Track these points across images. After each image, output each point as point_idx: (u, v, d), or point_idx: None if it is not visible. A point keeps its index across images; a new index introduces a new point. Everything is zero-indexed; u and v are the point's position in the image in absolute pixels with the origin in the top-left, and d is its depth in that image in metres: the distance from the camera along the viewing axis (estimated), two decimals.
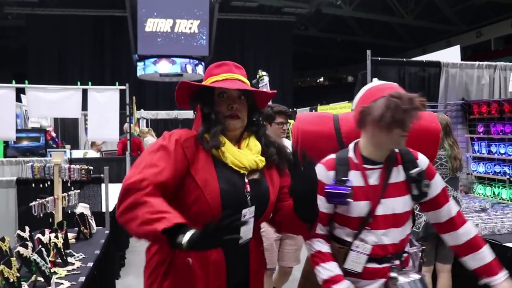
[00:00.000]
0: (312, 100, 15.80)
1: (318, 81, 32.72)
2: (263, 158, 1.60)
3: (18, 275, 2.06)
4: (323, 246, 1.74)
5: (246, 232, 1.49)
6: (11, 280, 1.99)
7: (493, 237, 2.99)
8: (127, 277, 4.88)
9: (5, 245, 2.32)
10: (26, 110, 8.30)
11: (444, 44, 18.03)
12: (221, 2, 17.11)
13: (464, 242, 1.76)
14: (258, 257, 1.64)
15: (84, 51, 19.98)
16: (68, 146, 10.28)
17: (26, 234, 2.72)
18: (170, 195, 1.42)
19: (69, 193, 3.28)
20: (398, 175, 1.75)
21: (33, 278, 2.24)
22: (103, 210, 3.99)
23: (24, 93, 7.58)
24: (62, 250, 2.61)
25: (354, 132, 1.82)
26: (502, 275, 1.71)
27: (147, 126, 13.37)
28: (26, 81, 6.29)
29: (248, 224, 1.49)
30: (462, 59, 6.58)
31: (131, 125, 7.79)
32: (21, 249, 2.24)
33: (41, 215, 3.04)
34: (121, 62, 19.98)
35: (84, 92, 6.32)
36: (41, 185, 3.56)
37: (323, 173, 1.73)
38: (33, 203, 2.99)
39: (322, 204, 1.70)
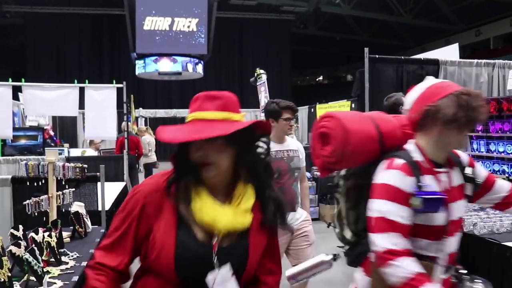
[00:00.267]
0: (311, 99, 15.78)
1: (317, 79, 32.73)
2: (247, 219, 1.30)
3: (9, 274, 2.03)
4: (416, 266, 1.47)
5: None
6: (2, 279, 1.96)
7: (492, 236, 2.96)
8: None
9: None
10: (24, 109, 8.27)
11: (443, 42, 18.04)
12: (219, 0, 17.08)
13: None
14: None
15: (82, 49, 19.99)
16: (66, 145, 10.26)
17: (19, 233, 2.69)
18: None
19: (64, 191, 3.25)
20: (458, 177, 1.66)
21: (25, 278, 2.21)
22: (99, 208, 3.96)
23: (21, 92, 7.56)
24: (55, 249, 2.57)
25: (392, 133, 1.71)
26: None
27: (145, 125, 13.36)
28: (23, 79, 6.26)
29: (226, 285, 1.28)
30: (461, 58, 6.56)
31: (129, 123, 7.76)
32: (14, 248, 2.20)
33: (35, 213, 3.01)
34: (120, 61, 20.01)
35: (82, 90, 6.30)
36: (35, 184, 3.52)
37: (402, 179, 1.53)
38: (27, 201, 2.96)
39: (406, 214, 1.51)
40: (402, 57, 4.91)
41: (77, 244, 3.07)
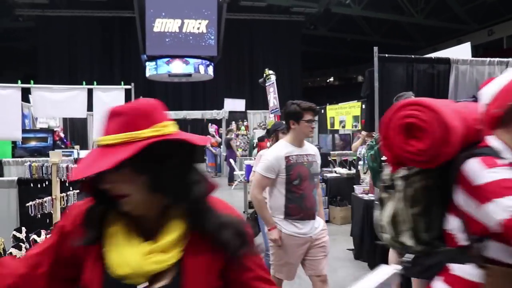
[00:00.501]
0: (322, 100, 15.68)
1: (328, 81, 32.58)
2: (168, 256, 1.05)
3: None
4: None
5: None
6: None
7: None
8: None
9: None
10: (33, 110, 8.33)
11: (455, 42, 17.79)
12: (229, 2, 17.08)
13: None
14: None
15: (93, 52, 20.14)
16: (77, 147, 10.30)
17: (22, 235, 2.67)
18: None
19: (68, 193, 3.23)
20: None
21: None
22: None
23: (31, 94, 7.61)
24: None
25: (475, 129, 1.54)
26: None
27: None
28: (32, 81, 6.29)
29: None
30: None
31: None
32: (14, 251, 2.18)
33: (39, 215, 2.98)
34: (131, 63, 20.11)
35: (91, 92, 6.31)
36: (39, 185, 3.51)
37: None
38: (30, 203, 2.94)
39: None
40: (412, 56, 4.81)
41: None
